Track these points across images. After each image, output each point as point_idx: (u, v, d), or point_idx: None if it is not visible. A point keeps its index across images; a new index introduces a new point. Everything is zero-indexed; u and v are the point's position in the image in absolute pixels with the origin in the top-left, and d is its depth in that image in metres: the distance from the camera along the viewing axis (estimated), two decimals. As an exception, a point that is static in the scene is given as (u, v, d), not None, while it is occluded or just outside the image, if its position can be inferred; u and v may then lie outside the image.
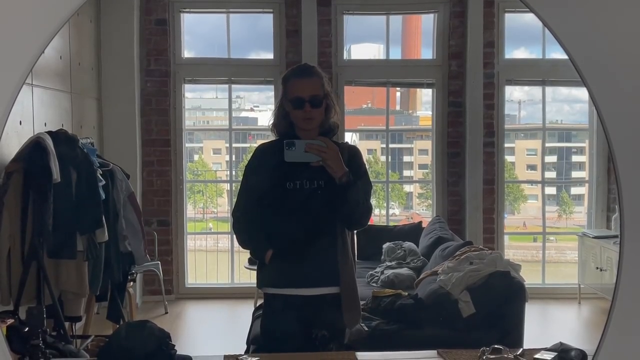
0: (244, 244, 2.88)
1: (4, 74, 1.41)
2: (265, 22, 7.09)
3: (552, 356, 2.24)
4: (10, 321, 3.23)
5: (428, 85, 7.22)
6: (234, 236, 2.98)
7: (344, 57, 7.09)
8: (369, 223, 2.89)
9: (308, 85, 2.67)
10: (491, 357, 2.29)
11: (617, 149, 1.25)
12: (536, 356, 2.26)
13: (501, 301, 3.96)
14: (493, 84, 6.87)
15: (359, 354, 2.39)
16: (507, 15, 6.95)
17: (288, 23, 6.87)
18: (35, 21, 1.42)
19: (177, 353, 2.13)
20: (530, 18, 7.37)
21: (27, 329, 2.08)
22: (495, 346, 2.33)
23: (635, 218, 1.36)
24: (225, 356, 2.31)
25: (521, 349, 2.35)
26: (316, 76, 2.71)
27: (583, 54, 1.23)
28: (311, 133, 2.68)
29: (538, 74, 7.08)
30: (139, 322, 2.19)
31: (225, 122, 7.70)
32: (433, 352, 2.43)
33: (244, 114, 8.53)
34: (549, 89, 7.27)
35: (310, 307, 2.68)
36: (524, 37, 7.55)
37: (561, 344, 2.31)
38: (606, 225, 7.00)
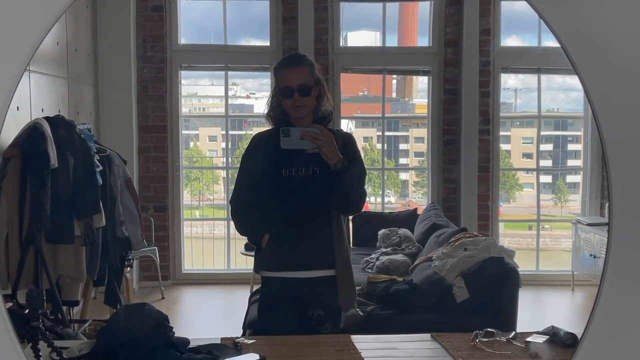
0: (241, 229, 2.94)
1: (4, 63, 1.43)
2: (261, 8, 7.08)
3: (544, 339, 2.28)
4: (8, 305, 3.25)
5: (424, 73, 7.23)
6: (231, 223, 3.04)
7: (340, 44, 7.09)
8: (363, 209, 2.93)
9: (296, 75, 2.71)
10: (484, 340, 2.33)
11: (608, 136, 1.28)
12: (528, 339, 2.30)
13: (495, 286, 4.00)
14: (489, 72, 6.88)
15: (354, 337, 2.43)
16: (503, 3, 6.96)
17: (284, 9, 6.86)
18: (35, 9, 1.43)
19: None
20: (525, 5, 7.38)
21: (26, 311, 2.10)
22: (488, 329, 2.37)
23: (624, 205, 1.39)
24: (222, 339, 2.35)
25: (513, 333, 2.39)
26: (305, 65, 2.75)
27: (575, 41, 1.25)
28: (304, 121, 2.72)
29: (534, 61, 7.10)
30: (137, 304, 2.22)
31: (220, 109, 7.70)
32: (427, 336, 2.47)
33: (239, 101, 8.52)
34: (544, 77, 7.28)
35: (307, 290, 2.73)
36: (520, 25, 7.56)
37: (553, 327, 2.35)
38: (600, 212, 7.04)
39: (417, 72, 7.47)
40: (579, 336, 2.25)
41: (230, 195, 2.92)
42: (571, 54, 1.24)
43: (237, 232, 3.02)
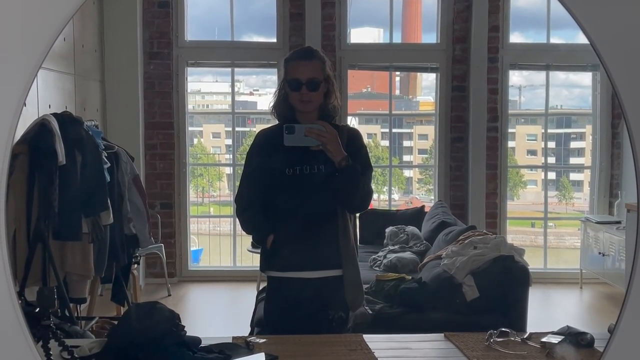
0: (246, 229, 2.91)
1: (18, 64, 1.41)
2: (267, 5, 7.06)
3: (560, 339, 2.25)
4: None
5: (432, 70, 7.20)
6: (237, 220, 3.00)
7: (347, 41, 7.06)
8: (369, 207, 2.89)
9: (307, 68, 2.66)
10: (498, 340, 2.31)
11: (637, 134, 1.25)
12: (544, 339, 2.27)
13: (505, 285, 3.97)
14: (497, 69, 6.85)
15: (366, 336, 2.40)
16: (512, -1, 6.94)
17: (291, 6, 6.84)
18: (47, 10, 1.41)
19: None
20: (534, 2, 7.35)
21: (37, 309, 2.08)
22: (503, 329, 2.34)
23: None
24: (233, 337, 2.33)
25: (528, 333, 2.37)
26: (317, 59, 2.70)
27: (605, 39, 1.22)
28: (310, 116, 2.67)
29: (542, 58, 7.07)
30: (148, 303, 2.19)
31: (224, 106, 7.69)
32: (440, 335, 2.44)
33: (243, 97, 8.52)
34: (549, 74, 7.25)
35: (314, 290, 2.69)
36: (528, 22, 7.53)
37: (568, 327, 2.32)
38: (608, 211, 7.01)
39: (425, 69, 7.45)
40: (594, 336, 2.23)
41: (236, 193, 2.90)
42: (601, 51, 1.21)
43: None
